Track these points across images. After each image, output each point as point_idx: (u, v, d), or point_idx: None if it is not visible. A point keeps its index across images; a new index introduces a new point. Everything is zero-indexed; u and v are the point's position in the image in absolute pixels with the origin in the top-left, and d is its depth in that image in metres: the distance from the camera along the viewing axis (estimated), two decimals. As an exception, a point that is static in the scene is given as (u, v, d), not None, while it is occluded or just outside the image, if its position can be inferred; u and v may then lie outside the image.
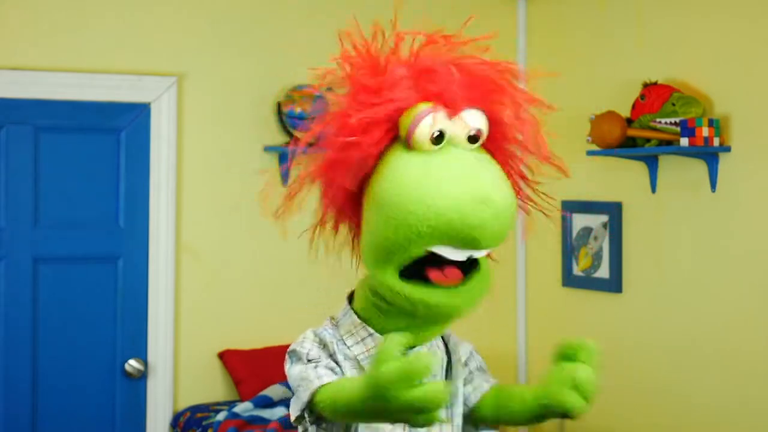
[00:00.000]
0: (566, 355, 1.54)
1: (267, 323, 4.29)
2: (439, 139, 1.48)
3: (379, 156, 1.53)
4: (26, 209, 3.95)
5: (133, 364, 4.08)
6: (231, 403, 4.05)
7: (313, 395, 1.51)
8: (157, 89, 4.11)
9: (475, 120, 1.50)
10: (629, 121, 3.88)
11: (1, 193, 3.93)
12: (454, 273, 1.49)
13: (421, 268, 1.50)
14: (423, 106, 1.48)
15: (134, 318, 4.10)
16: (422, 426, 1.37)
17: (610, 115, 3.87)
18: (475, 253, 1.48)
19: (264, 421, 3.77)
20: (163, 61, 4.14)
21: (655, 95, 3.75)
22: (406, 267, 1.49)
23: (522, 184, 1.64)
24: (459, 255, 1.47)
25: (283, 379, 3.99)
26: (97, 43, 4.03)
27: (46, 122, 3.98)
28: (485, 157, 1.51)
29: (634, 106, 3.86)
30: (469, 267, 1.52)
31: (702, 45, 3.76)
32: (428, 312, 1.50)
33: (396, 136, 1.52)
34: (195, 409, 4.06)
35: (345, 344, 1.58)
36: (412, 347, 1.56)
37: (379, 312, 1.57)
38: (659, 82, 3.81)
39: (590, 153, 4.02)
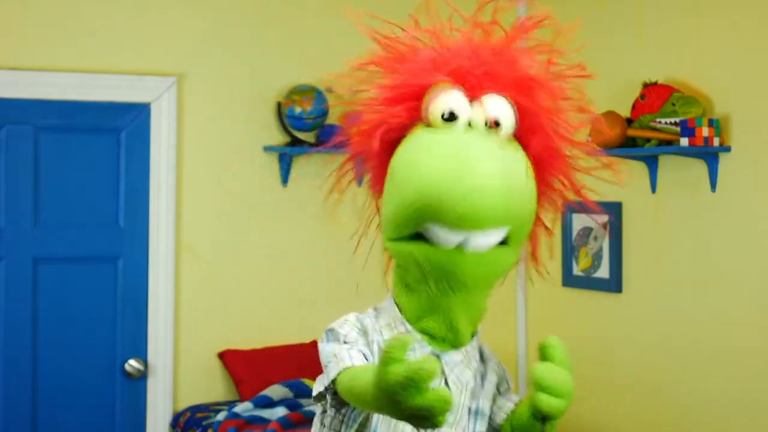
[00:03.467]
0: (540, 357, 1.51)
1: (267, 323, 4.29)
2: (450, 118, 1.46)
3: (404, 132, 1.52)
4: (26, 209, 3.95)
5: (133, 364, 4.08)
6: (231, 403, 4.05)
7: (339, 374, 1.50)
8: (157, 89, 4.11)
9: (494, 107, 1.47)
10: (629, 121, 3.88)
11: (1, 193, 3.93)
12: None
13: None
14: (441, 85, 1.48)
15: (134, 318, 4.10)
16: (429, 428, 1.35)
17: (610, 115, 3.87)
18: (471, 237, 1.42)
19: (264, 421, 3.76)
20: (163, 61, 4.14)
21: (655, 95, 3.75)
22: None
23: (562, 184, 1.59)
24: (451, 237, 1.42)
25: (283, 379, 4.00)
26: (96, 43, 4.04)
27: (46, 122, 3.98)
28: (503, 144, 1.46)
29: (634, 106, 3.86)
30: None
31: (702, 45, 3.76)
32: (433, 270, 1.46)
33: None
34: (195, 409, 4.06)
35: (382, 335, 1.56)
36: (451, 345, 1.54)
37: (404, 288, 1.55)
38: (659, 82, 3.81)
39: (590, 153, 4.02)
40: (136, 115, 4.11)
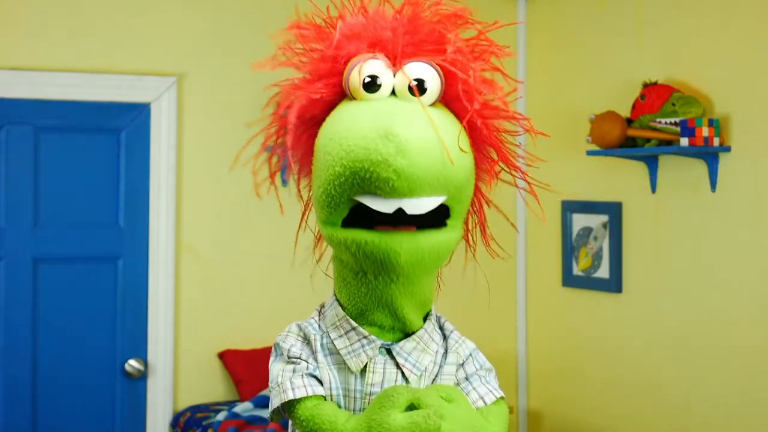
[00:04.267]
0: None
1: (267, 323, 4.28)
2: (372, 86, 1.43)
3: (328, 109, 1.49)
4: (26, 209, 3.95)
5: (133, 364, 4.08)
6: (231, 403, 4.05)
7: (284, 405, 1.48)
8: (157, 89, 4.11)
9: (415, 70, 1.43)
10: (629, 121, 3.88)
11: (1, 193, 3.93)
12: (406, 228, 1.40)
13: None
14: (361, 56, 1.45)
15: (134, 318, 4.10)
16: None
17: (610, 115, 3.87)
18: (405, 203, 1.36)
19: (264, 421, 3.77)
20: (163, 61, 4.14)
21: (655, 95, 3.75)
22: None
23: (497, 153, 1.52)
24: (385, 205, 1.37)
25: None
26: (97, 43, 4.03)
27: (46, 122, 3.98)
28: (432, 110, 1.41)
29: (634, 106, 3.86)
30: (435, 224, 1.44)
31: (702, 45, 3.76)
32: (366, 256, 1.41)
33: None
34: (195, 409, 4.06)
35: (329, 337, 1.52)
36: (396, 340, 1.50)
37: (344, 284, 1.51)
38: (659, 82, 3.81)
39: (590, 153, 4.02)
40: (136, 115, 4.11)
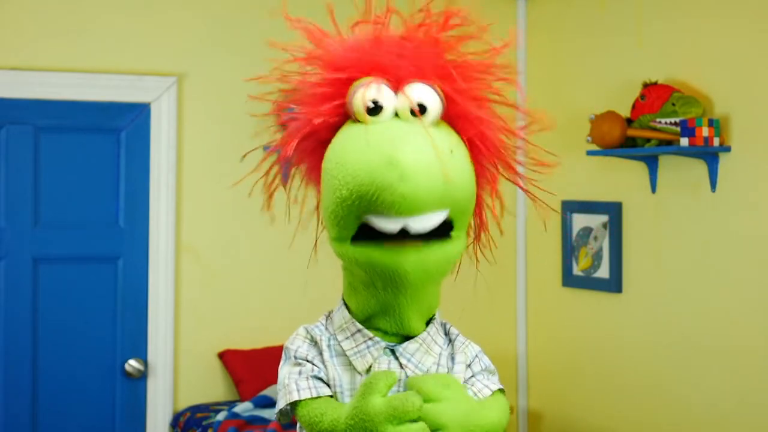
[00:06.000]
0: None
1: (267, 323, 4.29)
2: (375, 110, 1.47)
3: (334, 131, 1.53)
4: (26, 209, 3.95)
5: (133, 364, 4.08)
6: (231, 403, 4.05)
7: (289, 406, 1.53)
8: (157, 89, 4.11)
9: (417, 93, 1.47)
10: (629, 121, 3.88)
11: (1, 193, 3.93)
12: (412, 242, 1.45)
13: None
14: (364, 79, 1.48)
15: (134, 318, 4.10)
16: None
17: (610, 115, 3.87)
18: (410, 222, 1.41)
19: (264, 421, 3.77)
20: (163, 61, 4.14)
21: (655, 95, 3.75)
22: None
23: (496, 169, 1.56)
24: (391, 224, 1.42)
25: (283, 379, 4.00)
26: (97, 43, 4.04)
27: (46, 122, 3.98)
28: (433, 130, 1.45)
29: (634, 106, 3.86)
30: (440, 235, 1.48)
31: (702, 45, 3.76)
32: (377, 274, 1.47)
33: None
34: (195, 409, 4.06)
35: (337, 339, 1.58)
36: (404, 338, 1.55)
37: (353, 291, 1.57)
38: (659, 82, 3.81)
39: (590, 153, 4.03)
40: (136, 115, 4.11)
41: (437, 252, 1.47)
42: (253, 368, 4.10)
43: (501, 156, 1.55)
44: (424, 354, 1.56)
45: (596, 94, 4.22)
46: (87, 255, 4.05)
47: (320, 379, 1.55)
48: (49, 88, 3.96)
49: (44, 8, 3.96)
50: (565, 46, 4.46)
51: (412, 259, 1.45)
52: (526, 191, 1.58)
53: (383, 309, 1.53)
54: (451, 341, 1.63)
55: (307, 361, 1.56)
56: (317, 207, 1.65)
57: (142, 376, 4.10)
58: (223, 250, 4.24)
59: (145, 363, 4.10)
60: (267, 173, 1.64)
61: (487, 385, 1.60)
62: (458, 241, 1.51)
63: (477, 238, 1.64)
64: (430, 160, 1.40)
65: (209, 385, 4.21)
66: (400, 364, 1.53)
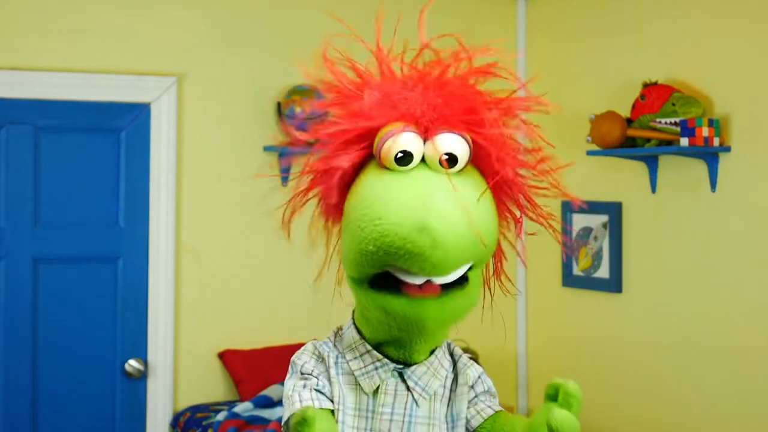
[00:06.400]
0: (551, 395, 1.51)
1: (267, 323, 4.29)
2: (404, 159, 1.46)
3: (357, 172, 1.54)
4: (26, 209, 3.95)
5: (133, 364, 4.08)
6: (231, 403, 4.05)
7: (291, 417, 1.53)
8: (157, 89, 4.11)
9: (446, 143, 1.46)
10: (629, 121, 3.88)
11: (1, 193, 3.93)
12: (432, 288, 1.46)
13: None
14: (393, 126, 1.47)
15: (134, 318, 4.10)
16: None
17: (610, 115, 3.87)
18: (434, 279, 1.44)
19: (264, 421, 3.77)
20: (163, 61, 4.14)
21: (655, 95, 3.75)
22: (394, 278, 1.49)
23: (519, 208, 1.59)
24: (415, 279, 1.45)
25: (283, 379, 3.99)
26: (97, 43, 4.04)
27: (46, 122, 3.98)
28: (460, 180, 1.46)
29: (634, 106, 3.86)
30: (459, 282, 1.50)
31: (702, 45, 3.76)
32: (395, 321, 1.49)
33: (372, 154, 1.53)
34: (195, 409, 4.06)
35: (344, 358, 1.59)
36: (409, 364, 1.57)
37: (364, 319, 1.58)
38: (659, 82, 3.81)
39: (590, 153, 4.02)
40: (136, 115, 4.11)
41: (457, 302, 1.49)
42: (253, 368, 4.10)
43: (526, 196, 1.57)
44: (431, 377, 1.58)
45: (596, 94, 4.22)
46: (87, 255, 4.05)
47: (323, 393, 1.57)
48: (49, 88, 3.96)
49: (44, 8, 3.96)
50: (565, 47, 4.46)
51: (432, 311, 1.47)
52: (552, 229, 1.60)
53: (395, 342, 1.55)
54: (455, 362, 1.65)
55: (313, 376, 1.58)
56: (321, 222, 1.66)
57: (142, 376, 4.10)
58: (223, 250, 4.24)
59: (145, 363, 4.10)
60: (293, 212, 1.62)
61: (490, 405, 1.63)
62: (476, 285, 1.53)
63: (496, 272, 1.66)
64: (460, 223, 1.41)
65: (209, 385, 4.21)
66: (407, 387, 1.56)
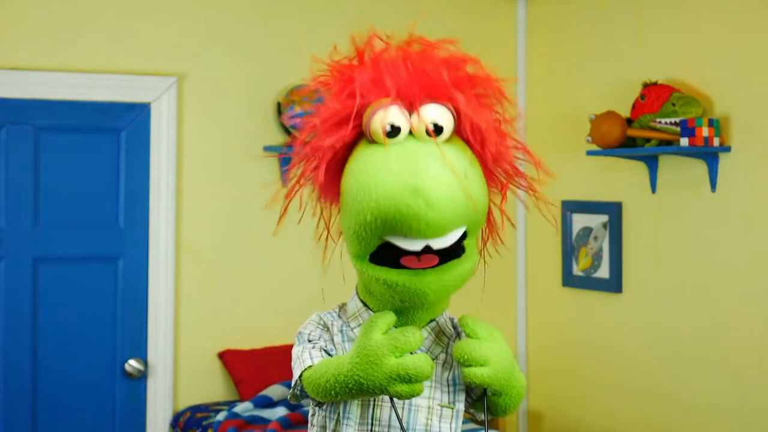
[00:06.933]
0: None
1: (267, 323, 4.29)
2: (393, 132, 1.53)
3: (349, 150, 1.61)
4: (26, 209, 3.95)
5: (133, 364, 4.08)
6: (231, 403, 4.05)
7: (302, 373, 1.63)
8: (157, 89, 4.11)
9: (431, 114, 1.54)
10: (629, 121, 3.88)
11: (1, 193, 3.93)
12: (429, 259, 1.53)
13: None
14: (380, 102, 1.55)
15: (134, 318, 4.10)
16: (404, 398, 1.49)
17: (610, 115, 3.87)
18: (432, 242, 1.50)
19: (264, 421, 3.77)
20: (163, 61, 4.14)
21: (655, 95, 3.75)
22: (394, 253, 1.54)
23: (507, 176, 1.65)
24: (414, 245, 1.50)
25: (283, 379, 4.00)
26: (97, 43, 4.04)
27: (46, 122, 3.98)
28: (447, 148, 1.53)
29: (634, 106, 3.86)
30: (456, 253, 1.56)
31: (702, 45, 3.76)
32: (396, 293, 1.55)
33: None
34: (195, 409, 4.06)
35: (349, 326, 1.68)
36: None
37: (367, 292, 1.65)
38: (659, 82, 3.81)
39: (590, 153, 4.03)
40: (136, 115, 4.11)
41: (455, 271, 1.56)
42: (253, 368, 4.10)
43: (511, 163, 1.63)
44: (432, 342, 1.66)
45: (596, 94, 4.22)
46: (87, 255, 4.05)
47: (331, 355, 1.65)
48: (49, 88, 3.96)
49: (44, 8, 3.96)
50: (565, 47, 4.46)
51: (432, 281, 1.54)
52: (536, 195, 1.67)
53: (397, 312, 1.61)
54: (458, 334, 1.72)
55: (320, 341, 1.67)
56: (321, 217, 1.73)
57: (142, 376, 4.10)
58: (223, 250, 4.24)
59: (145, 363, 4.10)
60: (290, 194, 1.69)
61: None
62: (472, 253, 1.59)
63: (488, 239, 1.72)
64: (451, 185, 1.49)
65: (209, 385, 4.21)
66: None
